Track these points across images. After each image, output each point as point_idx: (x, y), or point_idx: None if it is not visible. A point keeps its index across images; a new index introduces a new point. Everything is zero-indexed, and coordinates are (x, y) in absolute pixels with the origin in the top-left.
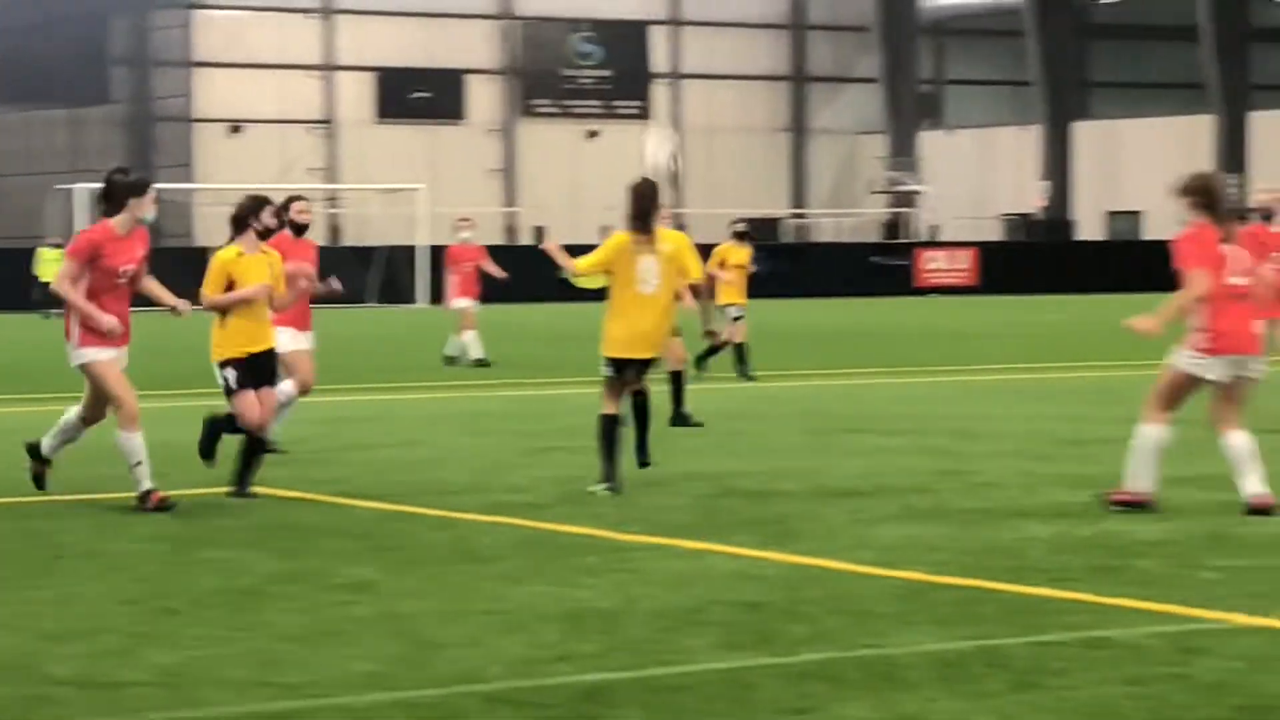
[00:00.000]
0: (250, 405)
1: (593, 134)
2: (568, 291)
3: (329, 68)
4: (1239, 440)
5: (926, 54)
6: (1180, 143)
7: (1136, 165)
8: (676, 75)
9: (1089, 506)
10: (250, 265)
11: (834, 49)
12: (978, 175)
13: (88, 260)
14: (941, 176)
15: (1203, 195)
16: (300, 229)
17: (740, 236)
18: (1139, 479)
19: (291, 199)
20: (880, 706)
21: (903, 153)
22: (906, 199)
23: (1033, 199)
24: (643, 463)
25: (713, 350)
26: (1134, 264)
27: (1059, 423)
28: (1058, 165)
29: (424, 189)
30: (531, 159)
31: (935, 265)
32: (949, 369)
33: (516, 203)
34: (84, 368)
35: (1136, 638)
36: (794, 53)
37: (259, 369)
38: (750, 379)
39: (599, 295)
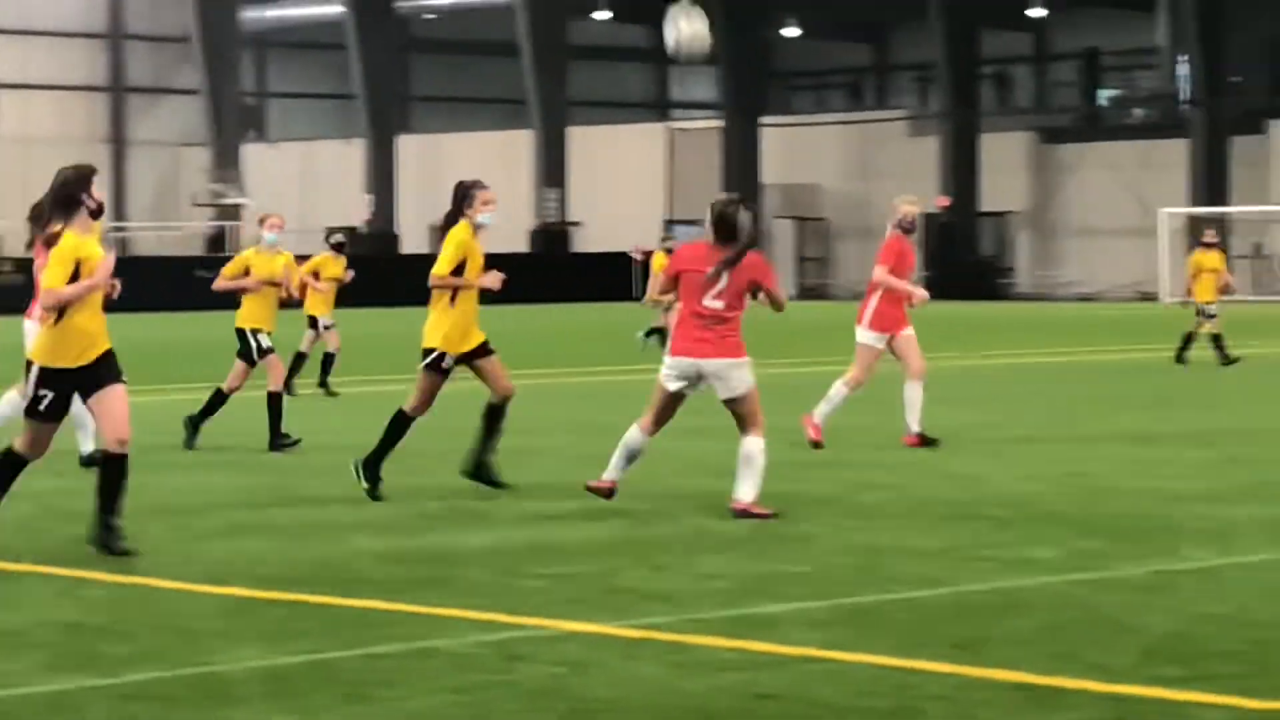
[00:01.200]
0: (39, 441)
1: None
2: None
3: None
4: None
5: (249, 66)
6: (502, 156)
7: (459, 178)
8: None
9: (418, 519)
10: (94, 251)
11: (154, 59)
12: (302, 188)
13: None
14: (265, 189)
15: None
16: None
17: (338, 248)
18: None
19: None
20: None
21: (226, 165)
22: (230, 212)
23: (358, 212)
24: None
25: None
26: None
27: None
28: (382, 178)
29: None
30: None
31: None
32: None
33: None
34: None
35: (463, 647)
36: (112, 62)
37: (94, 376)
38: (329, 392)
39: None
